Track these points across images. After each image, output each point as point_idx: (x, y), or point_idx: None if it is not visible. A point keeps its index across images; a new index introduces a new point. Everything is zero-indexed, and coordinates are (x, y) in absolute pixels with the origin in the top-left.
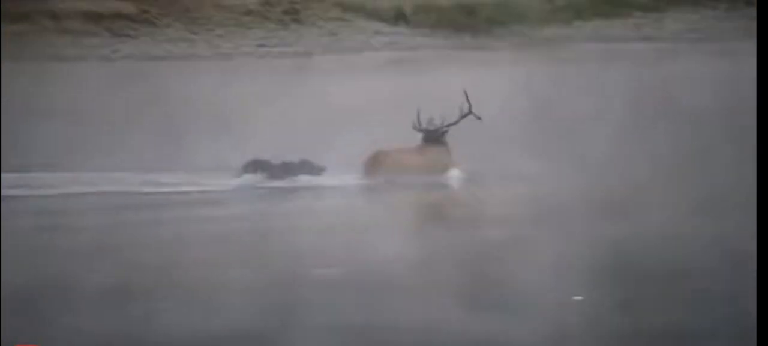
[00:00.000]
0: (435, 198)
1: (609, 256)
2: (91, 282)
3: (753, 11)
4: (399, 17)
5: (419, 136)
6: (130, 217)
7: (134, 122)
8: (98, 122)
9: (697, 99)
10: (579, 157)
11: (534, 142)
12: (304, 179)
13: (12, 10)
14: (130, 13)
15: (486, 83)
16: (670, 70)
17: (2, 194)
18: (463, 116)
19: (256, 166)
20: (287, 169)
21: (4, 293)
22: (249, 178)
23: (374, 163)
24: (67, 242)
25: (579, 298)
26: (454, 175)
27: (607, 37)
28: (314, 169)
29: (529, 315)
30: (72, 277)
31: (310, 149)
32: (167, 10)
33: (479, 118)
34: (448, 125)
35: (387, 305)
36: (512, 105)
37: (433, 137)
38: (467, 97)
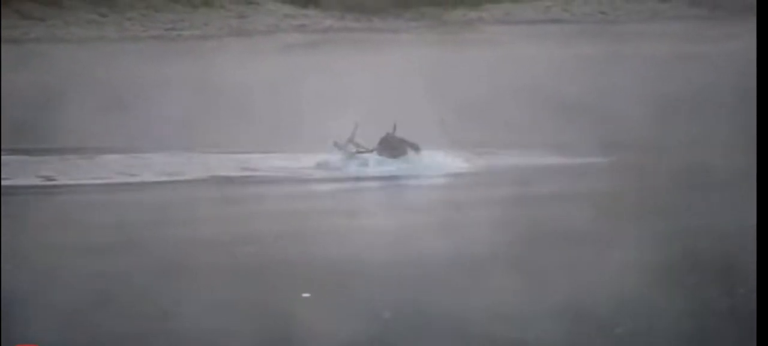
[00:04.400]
0: None
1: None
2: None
3: None
4: (309, 0)
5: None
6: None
7: (41, 105)
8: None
9: (611, 80)
10: (502, 141)
11: (462, 128)
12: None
13: None
14: None
15: (397, 66)
16: (581, 51)
17: None
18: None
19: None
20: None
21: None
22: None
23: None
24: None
25: (306, 295)
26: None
27: (518, 19)
28: None
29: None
30: None
31: (224, 132)
32: None
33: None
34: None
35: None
36: (429, 87)
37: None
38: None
